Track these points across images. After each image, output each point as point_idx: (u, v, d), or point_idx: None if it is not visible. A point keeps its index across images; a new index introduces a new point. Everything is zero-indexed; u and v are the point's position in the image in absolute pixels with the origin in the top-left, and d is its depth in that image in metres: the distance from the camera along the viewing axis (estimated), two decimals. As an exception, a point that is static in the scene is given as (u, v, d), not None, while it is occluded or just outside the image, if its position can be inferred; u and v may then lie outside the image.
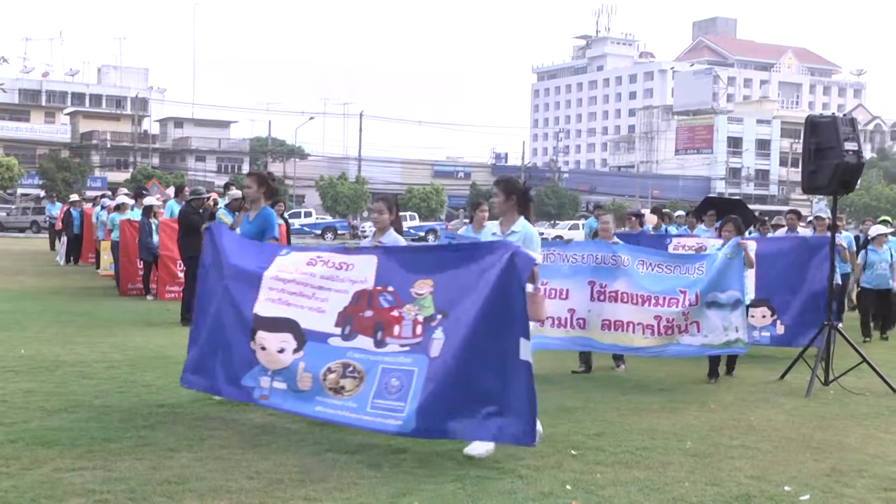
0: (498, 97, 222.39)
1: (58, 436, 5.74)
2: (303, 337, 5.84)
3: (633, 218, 12.72)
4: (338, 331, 5.77)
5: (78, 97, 77.33)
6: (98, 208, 18.04)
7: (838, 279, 10.36)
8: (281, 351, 5.86)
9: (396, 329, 5.55)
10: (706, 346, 8.03)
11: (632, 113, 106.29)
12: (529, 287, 5.46)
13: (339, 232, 47.55)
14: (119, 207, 16.08)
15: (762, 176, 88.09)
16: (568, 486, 5.00)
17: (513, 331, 5.19)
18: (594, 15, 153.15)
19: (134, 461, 5.25)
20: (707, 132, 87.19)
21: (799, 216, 12.57)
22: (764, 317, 9.96)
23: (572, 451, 5.72)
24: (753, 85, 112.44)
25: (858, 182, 8.73)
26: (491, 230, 9.28)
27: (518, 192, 5.97)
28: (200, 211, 12.17)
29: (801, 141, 8.63)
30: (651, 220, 14.27)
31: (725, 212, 11.66)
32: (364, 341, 5.64)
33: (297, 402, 5.73)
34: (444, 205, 62.34)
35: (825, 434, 6.48)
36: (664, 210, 15.39)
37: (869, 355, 8.77)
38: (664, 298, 8.03)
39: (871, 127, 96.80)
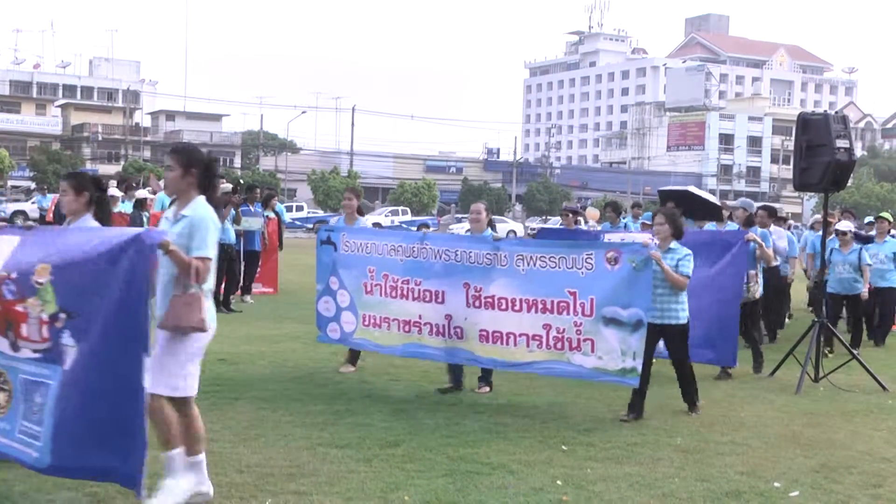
0: (490, 92, 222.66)
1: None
2: None
3: (569, 214, 11.00)
4: None
5: (69, 89, 76.79)
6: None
7: (761, 290, 8.75)
8: None
9: (24, 329, 4.42)
10: (599, 370, 6.54)
11: (624, 109, 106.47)
12: (194, 288, 4.35)
13: None
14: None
15: (753, 173, 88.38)
16: (559, 482, 4.99)
17: (137, 344, 4.11)
18: (587, 11, 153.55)
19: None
20: (699, 129, 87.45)
21: (772, 213, 10.51)
22: None
23: (563, 447, 5.73)
24: (745, 82, 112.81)
25: (850, 179, 8.72)
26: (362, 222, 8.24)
27: (200, 164, 4.61)
28: None
29: (793, 138, 8.61)
30: (593, 215, 13.02)
31: (685, 203, 9.87)
32: (1, 342, 4.54)
33: None
34: (436, 199, 62.30)
35: (815, 431, 6.50)
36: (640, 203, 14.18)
37: (859, 352, 8.81)
38: (552, 302, 6.64)
39: (862, 125, 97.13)
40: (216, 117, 76.23)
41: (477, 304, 6.94)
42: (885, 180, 75.09)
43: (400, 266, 7.33)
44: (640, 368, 6.41)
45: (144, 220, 14.32)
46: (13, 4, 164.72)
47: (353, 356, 8.18)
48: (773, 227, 10.38)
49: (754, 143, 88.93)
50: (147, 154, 68.10)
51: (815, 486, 5.12)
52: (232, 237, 12.28)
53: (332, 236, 7.79)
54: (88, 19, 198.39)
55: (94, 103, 74.74)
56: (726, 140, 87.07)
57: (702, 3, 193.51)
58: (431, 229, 48.19)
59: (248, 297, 13.17)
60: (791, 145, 9.46)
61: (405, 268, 7.30)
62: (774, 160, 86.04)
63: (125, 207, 15.46)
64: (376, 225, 49.52)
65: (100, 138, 68.54)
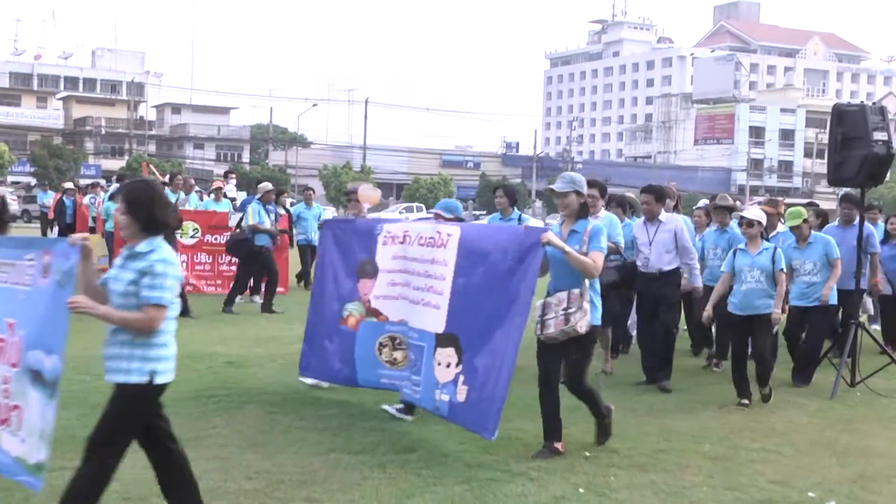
0: (509, 84, 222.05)
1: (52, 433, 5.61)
2: None
3: (354, 199, 8.15)
4: None
5: (71, 81, 74.41)
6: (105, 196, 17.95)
7: (589, 320, 5.55)
8: None
9: None
10: (20, 462, 4.16)
11: (649, 101, 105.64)
12: None
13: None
14: (113, 197, 16.08)
15: (786, 167, 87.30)
16: (581, 490, 4.91)
17: None
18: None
19: (130, 460, 5.11)
20: (728, 121, 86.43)
21: (619, 202, 8.46)
22: (449, 365, 5.74)
23: (585, 454, 5.60)
24: (777, 72, 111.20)
25: (888, 174, 8.47)
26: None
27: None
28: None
29: (828, 131, 8.42)
30: (367, 197, 8.55)
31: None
32: None
33: None
34: (452, 196, 62.16)
35: (851, 438, 6.33)
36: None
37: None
38: None
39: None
40: (224, 110, 75.88)
41: None
42: (919, 173, 73.92)
43: None
44: (46, 462, 4.01)
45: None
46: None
47: None
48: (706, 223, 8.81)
49: (787, 136, 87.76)
50: (152, 148, 67.87)
51: (852, 496, 4.99)
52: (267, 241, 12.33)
53: None
54: (91, 8, 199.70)
55: (96, 96, 72.95)
56: (757, 133, 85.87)
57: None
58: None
59: (256, 297, 13.05)
60: (826, 138, 9.21)
61: None
62: (808, 154, 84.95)
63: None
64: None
65: (103, 132, 67.61)
